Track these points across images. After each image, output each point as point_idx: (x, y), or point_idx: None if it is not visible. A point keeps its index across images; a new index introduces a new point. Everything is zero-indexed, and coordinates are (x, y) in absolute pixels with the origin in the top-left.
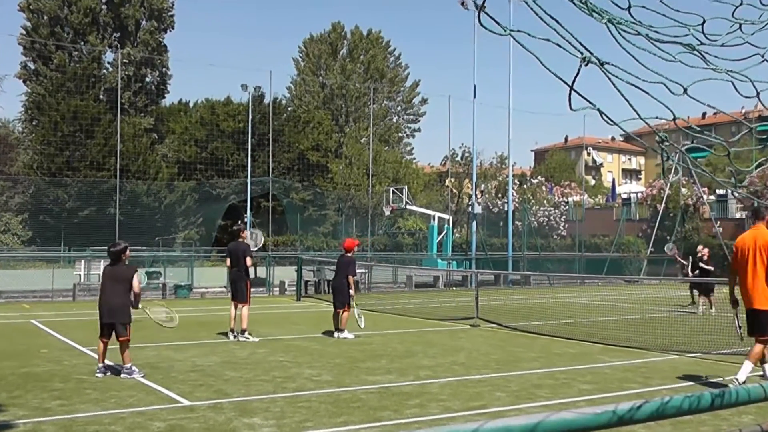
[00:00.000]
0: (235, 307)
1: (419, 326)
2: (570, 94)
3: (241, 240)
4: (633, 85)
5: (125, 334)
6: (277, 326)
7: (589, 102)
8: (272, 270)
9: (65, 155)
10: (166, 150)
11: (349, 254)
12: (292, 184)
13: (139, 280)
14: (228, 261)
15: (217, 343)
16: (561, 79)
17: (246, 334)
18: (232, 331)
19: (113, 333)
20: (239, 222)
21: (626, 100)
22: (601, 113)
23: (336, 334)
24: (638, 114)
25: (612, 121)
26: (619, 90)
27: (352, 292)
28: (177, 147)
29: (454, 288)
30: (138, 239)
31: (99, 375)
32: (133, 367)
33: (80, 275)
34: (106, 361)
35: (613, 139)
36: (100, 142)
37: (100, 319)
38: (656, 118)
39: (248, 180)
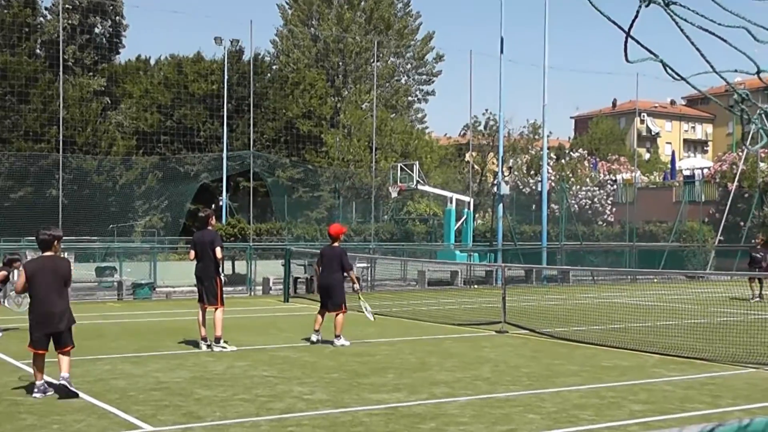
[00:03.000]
0: (203, 311)
1: (434, 333)
2: (626, 42)
3: (209, 228)
4: (706, 30)
5: (72, 341)
6: (260, 333)
7: (651, 52)
8: (254, 265)
9: None
10: (122, 117)
11: (336, 244)
12: (278, 159)
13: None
14: (191, 254)
15: (186, 354)
16: (615, 24)
17: (222, 344)
18: (204, 339)
19: (52, 343)
20: (213, 206)
21: (697, 49)
22: (665, 65)
23: (314, 337)
24: (712, 66)
25: (678, 75)
26: (687, 36)
27: (357, 287)
28: (135, 114)
29: (476, 286)
30: (87, 227)
31: (38, 395)
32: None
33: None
34: (46, 377)
35: (673, 103)
36: (37, 108)
37: (39, 328)
38: (735, 71)
39: (224, 155)
